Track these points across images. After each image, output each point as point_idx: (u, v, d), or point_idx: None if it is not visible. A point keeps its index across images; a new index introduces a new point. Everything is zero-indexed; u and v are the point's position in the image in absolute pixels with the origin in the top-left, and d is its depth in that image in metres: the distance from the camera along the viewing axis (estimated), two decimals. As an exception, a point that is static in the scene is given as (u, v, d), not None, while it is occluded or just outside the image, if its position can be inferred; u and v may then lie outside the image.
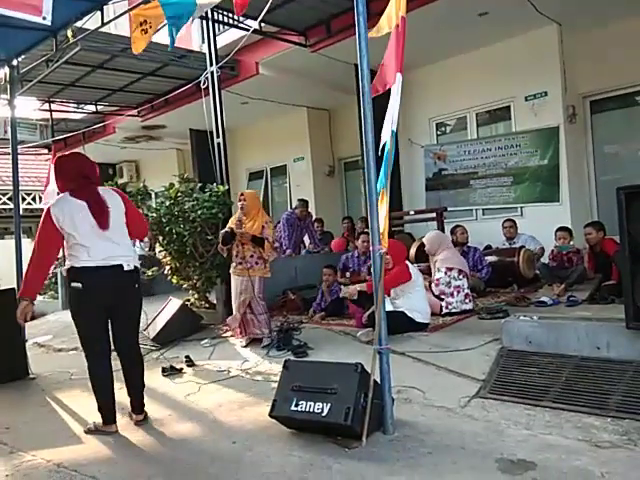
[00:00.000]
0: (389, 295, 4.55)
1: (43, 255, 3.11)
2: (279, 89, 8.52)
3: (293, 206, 8.39)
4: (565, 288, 5.17)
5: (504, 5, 6.11)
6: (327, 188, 10.11)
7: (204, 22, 6.58)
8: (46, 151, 11.44)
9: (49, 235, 3.09)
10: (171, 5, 4.01)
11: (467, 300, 5.10)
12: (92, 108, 9.66)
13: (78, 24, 5.06)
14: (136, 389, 3.31)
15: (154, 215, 5.89)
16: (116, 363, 3.26)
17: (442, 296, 5.08)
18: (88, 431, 3.25)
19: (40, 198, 15.44)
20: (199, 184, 6.29)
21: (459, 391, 3.32)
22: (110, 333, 3.26)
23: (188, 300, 6.39)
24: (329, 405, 2.76)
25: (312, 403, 2.81)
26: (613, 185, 3.78)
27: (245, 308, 4.98)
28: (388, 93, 2.93)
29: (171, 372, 4.49)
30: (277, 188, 11.07)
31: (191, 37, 8.50)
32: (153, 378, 4.38)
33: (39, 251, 3.09)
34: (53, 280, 9.86)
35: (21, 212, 5.67)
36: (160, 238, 6.03)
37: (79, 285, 3.08)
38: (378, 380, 2.86)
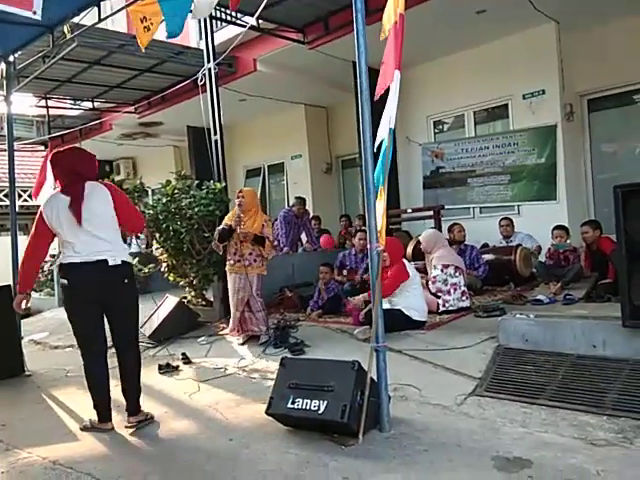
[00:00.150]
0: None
1: (32, 251, 3.19)
2: (277, 86, 8.50)
3: (290, 204, 8.38)
4: (562, 286, 5.17)
5: (502, 3, 6.11)
6: (324, 186, 10.10)
7: (202, 18, 6.55)
8: (42, 148, 11.38)
9: (39, 232, 3.15)
10: (167, 1, 4.00)
11: (464, 297, 5.11)
12: (89, 105, 9.63)
13: (75, 20, 5.04)
14: (131, 389, 3.23)
15: (151, 212, 5.88)
16: (113, 360, 3.25)
17: (439, 294, 5.09)
18: (84, 428, 3.24)
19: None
20: (196, 181, 6.27)
21: (455, 389, 3.33)
22: (110, 331, 3.25)
23: (185, 297, 6.39)
24: (326, 403, 2.76)
25: (309, 401, 2.81)
26: (610, 183, 3.79)
27: (243, 306, 4.97)
28: (386, 91, 2.93)
29: (168, 370, 4.48)
30: (274, 185, 11.05)
31: (188, 34, 8.47)
32: (150, 375, 4.37)
33: (29, 247, 3.19)
34: (49, 277, 9.83)
35: (17, 209, 5.64)
36: (157, 235, 6.02)
37: (65, 281, 3.12)
38: (375, 378, 2.87)
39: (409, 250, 6.45)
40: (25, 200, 15.18)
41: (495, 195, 7.59)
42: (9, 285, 4.97)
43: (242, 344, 5.01)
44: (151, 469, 2.67)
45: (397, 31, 2.85)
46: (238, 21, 6.90)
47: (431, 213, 7.07)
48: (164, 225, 5.81)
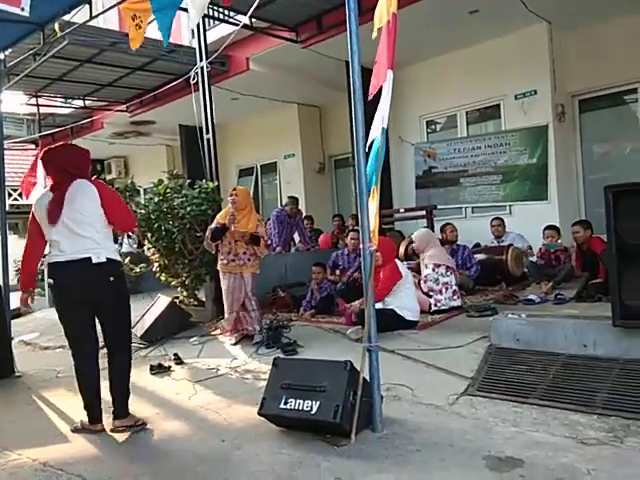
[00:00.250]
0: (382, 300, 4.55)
1: (29, 251, 3.21)
2: (270, 85, 8.48)
3: (283, 203, 8.37)
4: (553, 286, 5.20)
5: (494, 3, 6.13)
6: (317, 185, 10.10)
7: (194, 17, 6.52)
8: (33, 146, 11.29)
9: (32, 231, 3.17)
10: (158, -1, 3.98)
11: (455, 297, 5.12)
12: (80, 103, 9.56)
13: (66, 18, 5.01)
14: (118, 391, 3.15)
15: (142, 212, 5.84)
16: (104, 361, 3.23)
17: (430, 293, 5.10)
18: (74, 430, 3.21)
19: (27, 194, 15.27)
20: (188, 180, 6.24)
21: (448, 389, 3.33)
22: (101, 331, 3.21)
23: (177, 297, 6.36)
24: (318, 403, 2.76)
25: (301, 401, 2.81)
26: (601, 184, 3.82)
27: (239, 306, 4.95)
28: (379, 90, 2.93)
29: (159, 370, 4.46)
30: (267, 185, 11.03)
31: (181, 32, 8.42)
32: (141, 376, 4.35)
33: (26, 247, 3.21)
34: (40, 277, 9.75)
35: (7, 208, 5.59)
36: (149, 235, 5.98)
37: (51, 281, 3.12)
38: (367, 378, 2.86)
39: (401, 250, 6.46)
40: (15, 199, 15.04)
41: (487, 195, 7.62)
42: (-1, 285, 4.93)
43: (234, 344, 4.99)
44: (142, 470, 2.65)
45: (390, 30, 2.85)
46: (231, 20, 6.88)
47: (424, 213, 7.09)
48: (156, 225, 5.78)
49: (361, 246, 2.96)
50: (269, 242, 6.35)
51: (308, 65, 7.78)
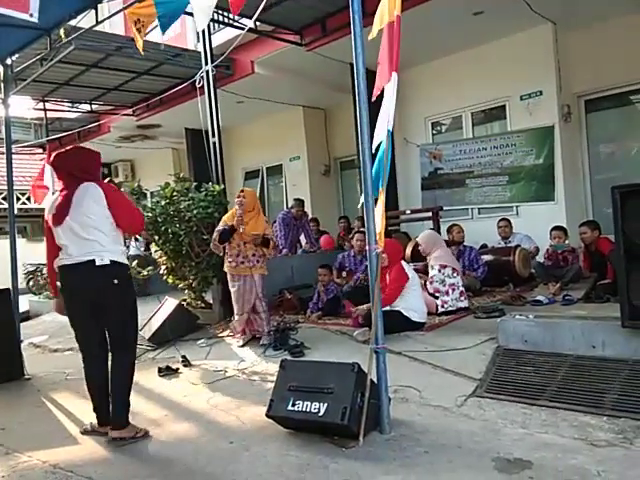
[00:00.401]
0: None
1: (49, 255, 3.22)
2: (275, 88, 8.50)
3: (289, 205, 8.38)
4: (560, 287, 5.17)
5: (499, 4, 6.12)
6: (323, 187, 10.11)
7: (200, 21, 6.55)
8: (40, 150, 11.38)
9: (47, 235, 3.19)
10: (164, 4, 4.01)
11: (462, 298, 5.11)
12: (87, 107, 9.62)
13: (72, 23, 5.04)
14: (116, 393, 3.08)
15: (149, 215, 5.87)
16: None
17: (437, 294, 5.09)
18: (84, 432, 3.23)
19: (35, 198, 15.39)
20: (195, 183, 6.27)
21: (455, 390, 3.33)
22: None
23: (184, 300, 6.38)
24: (326, 405, 2.76)
25: (309, 403, 2.81)
26: (608, 184, 3.80)
27: (250, 307, 4.95)
28: (382, 91, 2.94)
29: (167, 372, 4.48)
30: (273, 187, 11.05)
31: (186, 36, 8.47)
32: (149, 378, 4.38)
33: (46, 251, 3.25)
34: (48, 280, 9.81)
35: (15, 212, 5.64)
36: (156, 238, 6.01)
37: (59, 284, 3.14)
38: (375, 380, 2.87)
39: (408, 251, 6.45)
40: (24, 203, 15.17)
41: (493, 196, 7.60)
42: (8, 288, 4.96)
43: (242, 346, 5.00)
44: (151, 472, 2.67)
45: (394, 33, 2.86)
46: (236, 23, 6.91)
47: (430, 214, 7.08)
48: (163, 228, 5.80)
49: (367, 248, 2.96)
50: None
51: (313, 68, 7.80)
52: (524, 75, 7.09)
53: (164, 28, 4.19)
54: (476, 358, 3.76)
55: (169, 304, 5.82)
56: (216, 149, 6.26)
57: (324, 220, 9.09)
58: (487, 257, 6.24)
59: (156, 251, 6.24)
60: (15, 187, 5.71)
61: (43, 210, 3.30)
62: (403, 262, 4.80)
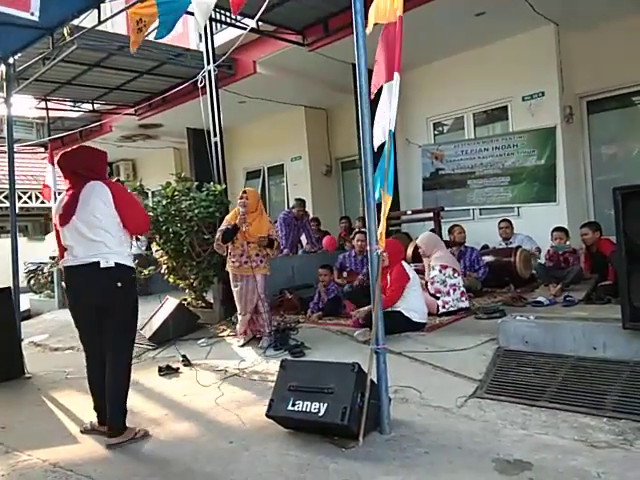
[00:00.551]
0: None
1: (61, 254, 3.20)
2: (276, 88, 8.51)
3: (290, 205, 8.38)
4: (561, 288, 5.17)
5: (501, 5, 6.12)
6: (324, 187, 10.11)
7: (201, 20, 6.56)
8: (42, 150, 11.40)
9: (57, 234, 3.18)
10: (166, 3, 4.02)
11: (463, 298, 5.11)
12: (89, 106, 9.63)
13: (75, 22, 5.04)
14: (110, 400, 3.03)
15: (151, 214, 5.86)
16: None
17: (438, 294, 5.09)
18: (84, 430, 3.24)
19: (37, 197, 15.43)
20: (196, 183, 6.27)
21: (456, 391, 3.32)
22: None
23: (185, 299, 6.38)
24: (326, 405, 2.76)
25: (309, 403, 2.81)
26: (609, 185, 3.79)
27: (252, 308, 4.94)
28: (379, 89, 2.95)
29: (167, 372, 4.48)
30: (274, 187, 11.06)
31: (188, 36, 8.48)
32: (149, 378, 4.38)
33: (58, 252, 3.24)
34: (49, 279, 9.83)
35: (17, 211, 5.64)
36: (157, 237, 6.01)
37: (63, 284, 3.16)
38: (375, 380, 2.87)
39: (409, 252, 6.45)
40: (25, 202, 15.20)
41: (495, 197, 7.60)
42: (9, 287, 4.97)
43: (242, 346, 5.00)
44: (151, 471, 2.67)
45: (396, 33, 2.86)
46: (238, 23, 6.91)
47: (431, 215, 7.07)
48: (164, 227, 5.81)
49: (368, 248, 2.96)
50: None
51: (315, 68, 7.80)
52: (526, 76, 7.09)
53: (165, 28, 4.20)
54: (476, 359, 3.76)
55: (170, 303, 5.82)
56: (217, 149, 6.26)
57: (325, 220, 9.09)
58: (488, 258, 6.23)
59: (157, 250, 6.24)
60: (17, 186, 5.72)
61: (45, 210, 3.31)
62: (404, 262, 4.80)
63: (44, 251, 11.65)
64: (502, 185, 7.51)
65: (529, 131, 7.21)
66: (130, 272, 3.13)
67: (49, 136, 9.88)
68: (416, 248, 5.97)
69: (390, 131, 2.85)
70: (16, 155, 6.02)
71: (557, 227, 5.83)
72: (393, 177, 2.94)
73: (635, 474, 2.24)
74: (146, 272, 6.59)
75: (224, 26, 7.20)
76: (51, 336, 6.80)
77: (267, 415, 2.97)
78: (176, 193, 6.00)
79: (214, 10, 6.48)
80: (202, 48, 6.52)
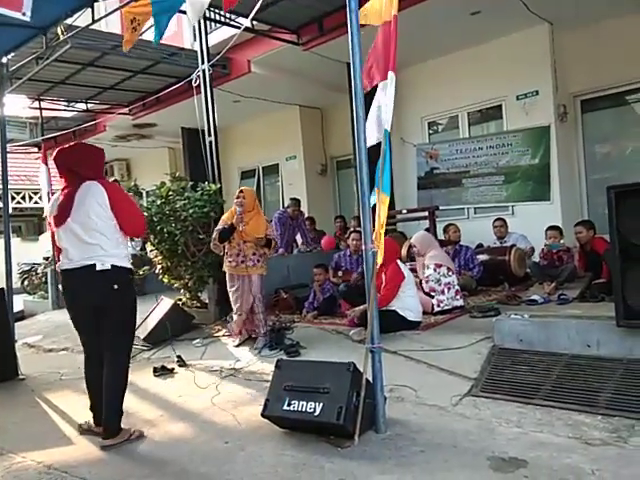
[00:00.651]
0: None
1: (58, 254, 3.17)
2: (271, 87, 8.50)
3: (285, 205, 8.37)
4: (556, 286, 5.20)
5: (496, 4, 6.13)
6: (319, 187, 10.11)
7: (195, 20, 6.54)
8: (36, 150, 11.34)
9: (52, 234, 3.18)
10: (159, 2, 4.01)
11: (458, 297, 5.12)
12: (82, 106, 9.59)
13: (68, 21, 5.02)
14: (107, 401, 3.01)
15: (145, 214, 5.84)
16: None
17: (432, 293, 5.10)
18: (81, 429, 3.21)
19: (30, 197, 15.36)
20: (191, 183, 6.25)
21: (451, 389, 3.33)
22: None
23: (180, 300, 6.37)
24: (321, 404, 2.76)
25: (304, 402, 2.81)
26: (603, 184, 3.81)
27: (248, 308, 4.93)
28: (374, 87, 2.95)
29: (163, 372, 4.47)
30: (269, 187, 11.05)
31: (182, 35, 8.46)
32: (144, 378, 4.37)
33: (55, 251, 3.28)
34: (43, 280, 9.78)
35: (10, 211, 5.61)
36: (151, 237, 5.99)
37: (61, 287, 3.12)
38: (370, 379, 2.87)
39: (404, 251, 6.45)
40: (18, 202, 15.13)
41: (489, 196, 7.62)
42: (2, 288, 4.94)
43: (237, 346, 4.99)
44: (146, 472, 2.66)
45: (391, 32, 2.86)
46: (232, 22, 6.90)
47: (426, 214, 7.08)
48: (158, 227, 5.79)
49: (363, 247, 2.96)
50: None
51: (309, 67, 7.80)
52: (520, 75, 7.11)
53: (159, 28, 4.18)
54: (471, 357, 3.77)
55: (164, 304, 5.80)
56: (212, 148, 6.24)
57: (320, 219, 9.09)
58: (483, 257, 6.25)
59: (151, 250, 6.22)
60: (10, 186, 5.69)
61: (38, 210, 3.28)
62: (399, 261, 4.81)
63: (38, 252, 11.60)
64: (496, 184, 7.54)
65: (523, 130, 7.23)
66: (127, 274, 3.10)
67: (42, 136, 9.82)
68: (411, 247, 5.98)
69: (386, 131, 2.85)
70: (9, 155, 5.99)
71: (551, 226, 5.86)
72: (390, 176, 2.93)
73: (629, 471, 2.26)
74: (141, 272, 6.57)
75: (218, 25, 7.18)
76: (45, 337, 6.77)
77: (263, 415, 2.97)
78: (170, 193, 5.98)
79: (208, 9, 6.47)
80: (196, 47, 6.50)
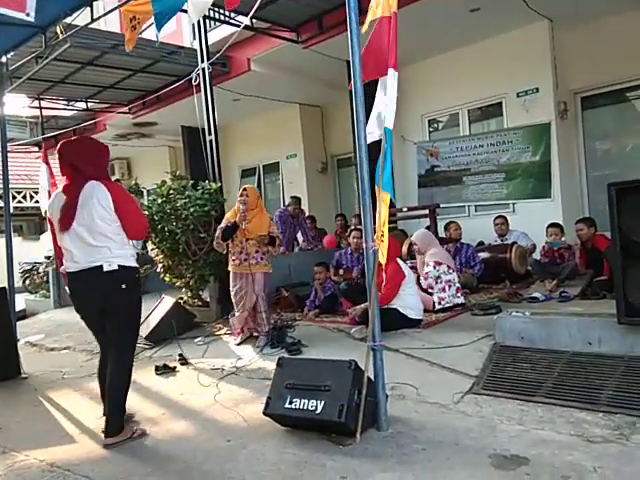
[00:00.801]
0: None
1: (58, 254, 3.15)
2: (271, 86, 8.49)
3: (286, 203, 8.37)
4: (557, 284, 5.20)
5: (495, 1, 6.13)
6: (320, 185, 10.11)
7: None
8: (36, 149, 11.34)
9: (52, 233, 3.12)
10: (160, 1, 4.01)
11: (459, 294, 5.13)
12: (82, 105, 9.59)
13: (67, 20, 5.02)
14: (110, 398, 3.01)
15: (146, 213, 5.84)
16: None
17: (430, 290, 5.10)
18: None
19: (31, 196, 15.36)
20: (191, 181, 6.25)
21: (452, 387, 3.33)
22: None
23: (181, 298, 6.37)
24: (323, 402, 2.76)
25: (306, 400, 2.81)
26: (604, 181, 3.80)
27: (251, 306, 4.92)
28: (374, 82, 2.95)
29: (164, 371, 4.47)
30: (270, 185, 11.05)
31: (182, 33, 8.45)
32: (146, 377, 4.37)
33: (54, 250, 3.23)
34: (45, 279, 9.80)
35: (11, 210, 5.62)
36: (152, 236, 6.00)
37: (67, 289, 3.09)
38: (372, 377, 2.87)
39: (404, 249, 6.46)
40: (19, 202, 15.14)
41: (490, 193, 7.62)
42: (4, 287, 4.95)
43: (239, 344, 4.99)
44: (149, 470, 2.67)
45: (391, 29, 2.85)
46: (232, 21, 6.89)
47: (427, 212, 7.08)
48: (159, 226, 5.79)
49: (364, 245, 2.96)
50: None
51: (309, 65, 7.79)
52: (521, 72, 7.10)
53: (160, 25, 4.18)
54: (473, 355, 3.77)
55: (166, 302, 5.81)
56: (212, 147, 6.24)
57: (321, 218, 9.09)
58: (484, 254, 6.25)
59: (153, 249, 6.23)
60: (11, 185, 5.69)
61: (39, 209, 3.27)
62: (399, 260, 4.81)
63: (39, 251, 11.62)
64: (497, 181, 7.53)
65: (524, 127, 7.23)
66: (134, 272, 3.09)
67: (43, 135, 9.82)
68: (412, 245, 5.98)
69: (388, 129, 2.84)
70: (10, 154, 5.99)
71: (552, 223, 5.86)
72: (391, 175, 2.93)
73: (631, 469, 2.26)
74: (142, 271, 6.57)
75: (218, 24, 7.17)
76: (47, 336, 6.78)
77: (264, 413, 2.97)
78: (171, 191, 5.98)
79: (209, 8, 6.47)
80: (196, 46, 6.50)
